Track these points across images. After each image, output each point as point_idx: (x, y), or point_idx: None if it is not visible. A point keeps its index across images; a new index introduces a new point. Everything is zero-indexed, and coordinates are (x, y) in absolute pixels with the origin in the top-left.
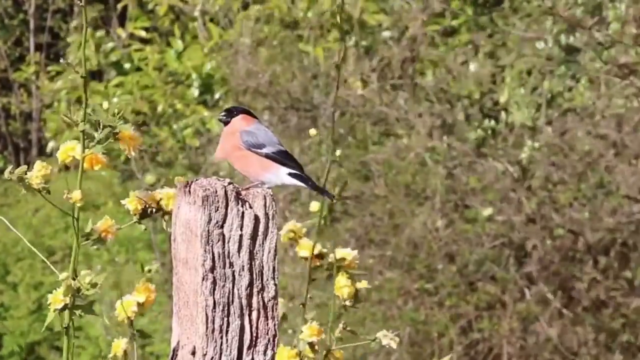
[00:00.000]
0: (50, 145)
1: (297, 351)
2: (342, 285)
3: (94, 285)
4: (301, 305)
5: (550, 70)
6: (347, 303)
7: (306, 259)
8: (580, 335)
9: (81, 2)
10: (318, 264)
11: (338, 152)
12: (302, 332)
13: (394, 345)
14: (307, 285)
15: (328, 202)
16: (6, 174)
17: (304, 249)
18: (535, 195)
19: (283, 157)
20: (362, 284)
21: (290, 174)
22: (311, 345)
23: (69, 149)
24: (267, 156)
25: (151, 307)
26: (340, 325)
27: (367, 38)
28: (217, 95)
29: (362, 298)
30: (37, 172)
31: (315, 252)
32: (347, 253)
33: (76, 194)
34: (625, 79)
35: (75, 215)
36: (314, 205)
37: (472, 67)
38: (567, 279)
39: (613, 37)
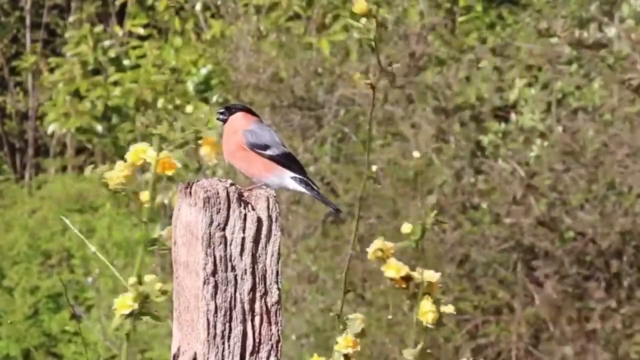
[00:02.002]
0: (51, 128)
1: None
2: (427, 311)
3: (164, 292)
4: (336, 316)
5: (561, 69)
6: (430, 325)
7: (392, 279)
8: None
9: None
10: (404, 286)
11: (374, 168)
12: (337, 342)
13: None
14: (342, 298)
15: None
16: (86, 172)
17: (392, 269)
18: (545, 197)
19: (287, 160)
20: (449, 309)
21: (294, 179)
22: (346, 357)
23: (140, 151)
24: (271, 158)
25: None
26: (419, 346)
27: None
28: (215, 97)
29: (445, 322)
30: (119, 172)
31: (402, 274)
32: (432, 276)
33: (145, 195)
34: (636, 92)
35: (145, 219)
36: (406, 227)
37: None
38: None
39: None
